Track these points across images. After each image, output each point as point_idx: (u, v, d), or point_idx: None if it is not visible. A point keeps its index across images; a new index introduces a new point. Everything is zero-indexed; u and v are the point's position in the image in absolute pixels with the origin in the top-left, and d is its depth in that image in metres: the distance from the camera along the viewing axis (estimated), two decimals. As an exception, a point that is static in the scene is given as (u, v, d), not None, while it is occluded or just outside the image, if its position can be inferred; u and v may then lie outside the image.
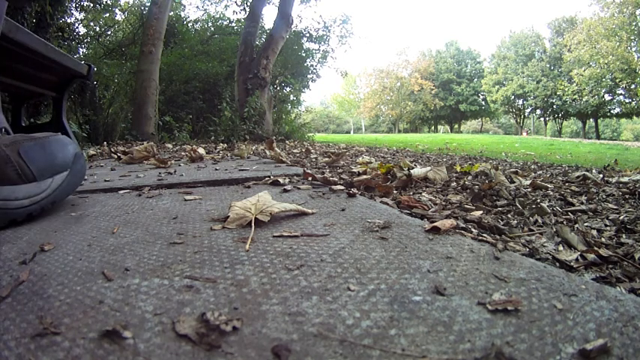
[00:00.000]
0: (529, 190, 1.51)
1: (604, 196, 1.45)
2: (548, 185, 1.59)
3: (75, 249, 0.66)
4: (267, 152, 3.05)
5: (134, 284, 0.50)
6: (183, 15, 13.89)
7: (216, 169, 1.92)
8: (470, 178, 1.79)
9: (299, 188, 1.28)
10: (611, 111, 32.57)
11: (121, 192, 1.30)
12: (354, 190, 1.17)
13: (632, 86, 27.92)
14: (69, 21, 10.47)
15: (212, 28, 13.96)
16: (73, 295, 0.47)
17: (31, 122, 4.16)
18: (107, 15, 13.17)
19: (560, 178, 2.07)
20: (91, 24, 13.22)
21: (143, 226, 0.81)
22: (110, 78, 7.46)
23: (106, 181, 1.54)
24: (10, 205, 0.86)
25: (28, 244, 0.70)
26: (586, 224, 1.00)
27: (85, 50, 12.09)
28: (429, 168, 1.69)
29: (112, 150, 3.68)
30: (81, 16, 11.64)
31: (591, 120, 34.83)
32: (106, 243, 0.69)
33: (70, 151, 1.07)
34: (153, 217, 0.90)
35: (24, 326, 0.40)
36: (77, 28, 11.86)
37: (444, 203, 1.16)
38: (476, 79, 42.86)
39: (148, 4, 9.42)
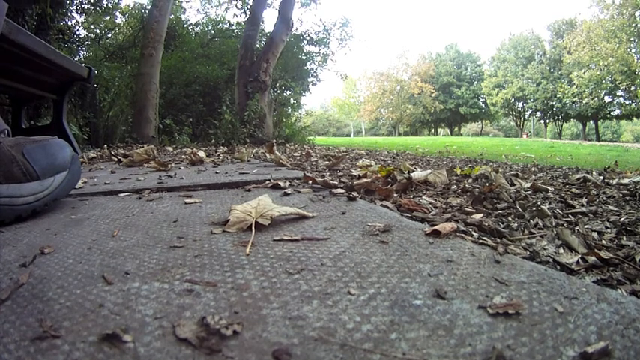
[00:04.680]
0: (529, 192, 1.51)
1: (604, 198, 1.45)
2: (549, 188, 1.59)
3: (75, 252, 0.66)
4: (268, 155, 3.06)
5: (134, 288, 0.50)
6: (183, 18, 13.93)
7: (216, 173, 1.92)
8: (470, 181, 1.79)
9: (299, 192, 1.28)
10: (611, 113, 32.59)
11: (122, 195, 1.30)
12: (355, 194, 1.17)
13: (632, 88, 27.93)
14: (70, 23, 10.51)
15: (212, 32, 14.00)
16: (73, 299, 0.47)
17: (31, 124, 4.16)
18: (108, 18, 13.20)
19: (561, 181, 2.07)
20: (92, 27, 13.25)
21: (143, 230, 0.81)
22: (110, 81, 7.46)
23: (106, 184, 1.54)
24: (16, 202, 0.92)
25: (28, 247, 0.70)
26: (586, 226, 1.00)
27: (85, 53, 12.12)
28: (429, 171, 1.68)
29: (113, 153, 3.68)
30: (81, 18, 11.67)
31: (591, 122, 34.85)
32: (106, 246, 0.69)
33: (67, 153, 1.13)
34: (153, 221, 0.90)
35: (24, 329, 0.40)
36: (78, 30, 11.90)
37: (444, 206, 1.16)
38: (476, 82, 42.93)
39: (149, 7, 9.45)
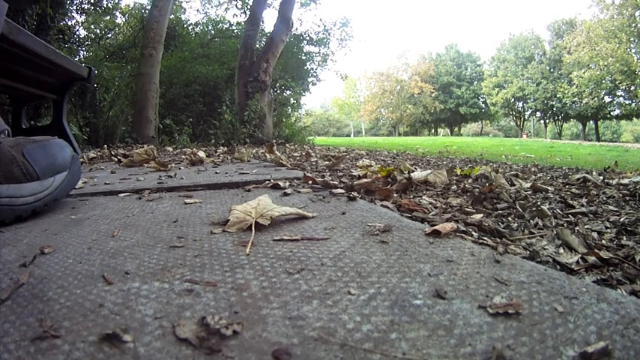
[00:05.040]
0: (529, 192, 1.51)
1: (604, 198, 1.45)
2: (549, 188, 1.59)
3: (75, 252, 0.66)
4: (268, 155, 3.06)
5: (134, 288, 0.50)
6: (183, 18, 13.93)
7: (216, 173, 1.92)
8: (470, 181, 1.79)
9: (299, 192, 1.28)
10: (611, 113, 32.60)
11: (122, 195, 1.30)
12: (355, 194, 1.17)
13: (632, 88, 27.93)
14: (70, 23, 10.52)
15: (212, 32, 14.00)
16: (73, 299, 0.47)
17: (31, 124, 4.16)
18: (108, 18, 13.20)
19: (561, 181, 2.07)
20: (92, 27, 13.26)
21: (143, 230, 0.81)
22: (110, 81, 7.46)
23: (106, 184, 1.54)
24: (15, 202, 0.92)
25: (28, 247, 0.70)
26: (586, 226, 1.00)
27: (85, 53, 12.13)
28: (429, 171, 1.68)
29: (113, 153, 3.68)
30: (82, 18, 11.68)
31: (591, 122, 34.85)
32: (106, 246, 0.69)
33: (67, 153, 1.13)
34: (153, 221, 0.90)
35: (24, 329, 0.40)
36: (78, 30, 11.91)
37: (444, 206, 1.16)
38: (476, 82, 42.94)
39: (149, 7, 9.46)
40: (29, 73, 2.38)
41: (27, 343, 0.38)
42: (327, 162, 2.61)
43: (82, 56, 11.57)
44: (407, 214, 0.99)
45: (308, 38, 13.40)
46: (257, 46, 8.74)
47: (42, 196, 0.99)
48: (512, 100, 37.17)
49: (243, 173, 1.86)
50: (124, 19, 13.60)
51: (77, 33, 11.76)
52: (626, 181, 1.90)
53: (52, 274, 0.56)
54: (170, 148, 5.26)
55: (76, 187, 1.41)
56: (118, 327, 0.39)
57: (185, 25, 13.43)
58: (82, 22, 12.03)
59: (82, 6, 10.63)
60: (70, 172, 1.12)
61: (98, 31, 13.52)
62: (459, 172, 2.10)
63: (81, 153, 3.33)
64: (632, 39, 26.60)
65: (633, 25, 26.26)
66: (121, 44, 12.60)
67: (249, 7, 10.76)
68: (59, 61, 2.32)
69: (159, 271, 0.56)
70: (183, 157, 3.25)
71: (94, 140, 6.40)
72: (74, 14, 10.49)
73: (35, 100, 3.81)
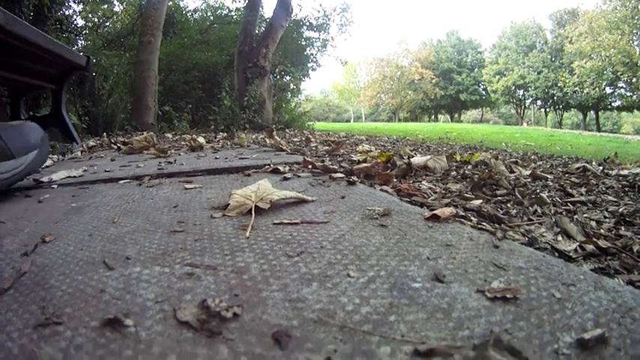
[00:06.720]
0: (529, 180, 1.51)
1: (603, 188, 1.46)
2: (548, 176, 1.59)
3: (76, 239, 0.66)
4: (267, 141, 3.05)
5: (135, 273, 0.50)
6: (182, 4, 13.77)
7: (216, 158, 1.92)
8: (470, 167, 1.79)
9: (299, 176, 1.28)
10: (612, 104, 32.43)
11: (122, 182, 1.30)
12: (354, 178, 1.17)
13: (634, 80, 27.76)
14: (67, 13, 10.39)
15: (211, 18, 13.86)
16: (74, 285, 0.47)
17: (30, 115, 4.14)
18: (105, 6, 13.07)
19: (560, 169, 2.07)
20: (90, 15, 13.12)
21: (144, 215, 0.81)
22: (109, 69, 7.41)
23: (106, 171, 1.54)
24: None
25: (29, 236, 0.70)
26: (585, 215, 1.01)
27: (83, 42, 12.01)
28: (429, 157, 1.68)
29: (112, 141, 3.67)
30: (79, 8, 11.54)
31: (592, 112, 34.69)
32: (107, 232, 0.69)
33: (39, 135, 1.29)
34: (153, 206, 0.90)
35: (26, 317, 0.41)
36: (75, 20, 11.77)
37: (443, 192, 1.16)
38: (476, 69, 42.62)
39: (147, -6, 9.35)
40: (27, 63, 2.36)
41: (30, 330, 0.38)
42: (326, 147, 2.60)
43: (80, 45, 11.47)
44: (406, 199, 0.99)
45: (308, 24, 13.27)
46: (256, 31, 8.66)
47: (17, 172, 1.14)
48: (513, 87, 36.95)
49: (242, 158, 1.85)
50: (121, 7, 13.44)
51: (75, 22, 11.63)
52: (625, 172, 1.90)
53: (54, 261, 0.56)
54: (170, 135, 5.24)
55: (77, 175, 1.42)
56: (120, 312, 0.40)
57: (184, 12, 13.29)
58: (79, 12, 11.90)
59: (80, -5, 10.51)
60: (40, 150, 1.27)
61: (96, 20, 13.39)
62: (458, 158, 2.09)
63: (80, 142, 3.32)
64: (634, 31, 26.36)
65: (636, 17, 26.00)
66: (119, 32, 12.48)
67: (248, -8, 10.65)
68: (57, 51, 2.30)
69: (159, 255, 0.56)
70: (182, 143, 3.24)
71: (94, 129, 6.38)
72: (72, 3, 10.35)
73: (34, 91, 3.78)
